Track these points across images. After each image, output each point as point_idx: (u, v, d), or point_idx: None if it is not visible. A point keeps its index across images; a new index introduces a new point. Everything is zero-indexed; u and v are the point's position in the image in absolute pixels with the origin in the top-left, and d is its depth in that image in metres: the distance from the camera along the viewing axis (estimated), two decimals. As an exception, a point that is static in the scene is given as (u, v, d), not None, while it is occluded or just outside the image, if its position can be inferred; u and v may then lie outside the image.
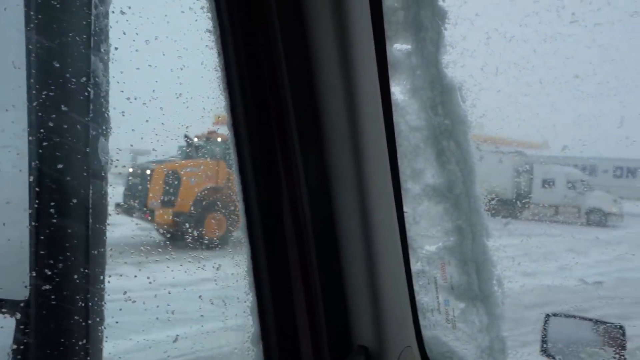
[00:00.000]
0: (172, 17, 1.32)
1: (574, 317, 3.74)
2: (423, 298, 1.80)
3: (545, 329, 3.17)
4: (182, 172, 12.58)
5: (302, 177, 1.46)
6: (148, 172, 12.60)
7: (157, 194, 12.39)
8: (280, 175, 1.50)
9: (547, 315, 3.23)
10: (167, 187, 12.45)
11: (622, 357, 2.97)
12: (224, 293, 1.65)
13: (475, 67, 1.48)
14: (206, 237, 10.54)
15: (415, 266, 1.77)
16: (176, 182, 12.50)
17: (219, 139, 12.77)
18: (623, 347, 2.99)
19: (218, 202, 12.39)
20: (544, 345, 3.14)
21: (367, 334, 1.53)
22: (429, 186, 1.68)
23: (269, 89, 1.44)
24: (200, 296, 1.92)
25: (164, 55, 1.33)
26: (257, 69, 1.42)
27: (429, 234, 1.74)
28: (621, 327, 3.10)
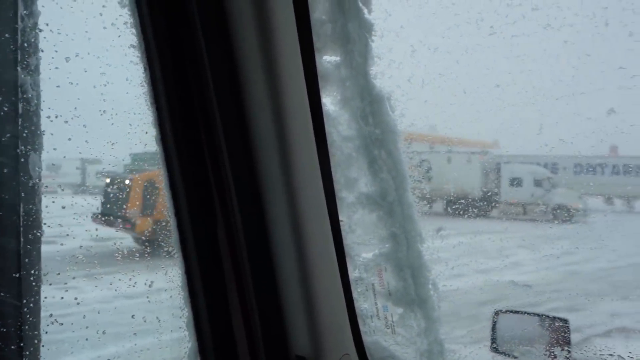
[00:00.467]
0: (94, 34, 1.30)
1: (522, 312, 3.85)
2: (362, 305, 1.83)
3: (494, 325, 3.26)
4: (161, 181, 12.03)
5: (233, 190, 1.46)
6: (127, 182, 12.30)
7: (136, 203, 12.26)
8: (212, 188, 1.49)
9: (496, 312, 3.31)
10: (147, 197, 12.26)
11: (567, 348, 3.07)
12: (158, 308, 1.64)
13: (402, 77, 1.51)
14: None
15: (353, 274, 1.79)
16: (155, 192, 11.93)
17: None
18: (568, 339, 3.09)
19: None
20: (494, 342, 3.22)
21: (304, 343, 1.54)
22: (363, 195, 1.71)
23: (197, 103, 1.44)
24: (132, 315, 1.89)
25: (85, 72, 1.31)
26: (183, 83, 1.42)
27: (365, 241, 1.77)
28: (566, 321, 3.21)
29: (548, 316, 3.37)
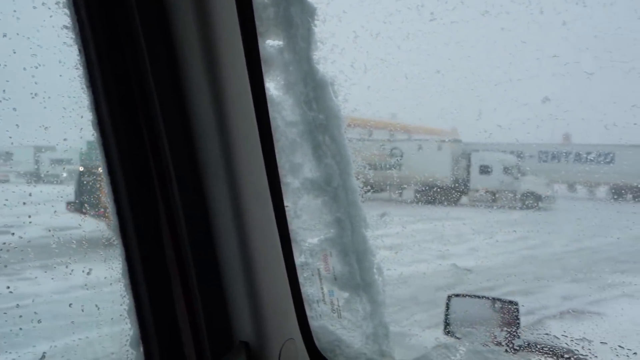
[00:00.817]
0: (23, 13, 1.25)
1: (473, 296, 3.93)
2: (308, 290, 1.84)
3: (447, 309, 3.32)
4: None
5: (173, 175, 1.44)
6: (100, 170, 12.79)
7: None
8: (152, 173, 1.47)
9: (449, 297, 3.37)
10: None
11: (517, 329, 3.14)
12: (99, 297, 1.61)
13: (345, 63, 1.52)
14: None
15: (299, 259, 1.80)
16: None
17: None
18: (517, 321, 3.16)
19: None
20: (447, 325, 3.27)
21: (248, 329, 1.54)
22: (307, 180, 1.71)
23: (134, 87, 1.40)
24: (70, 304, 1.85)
25: (15, 53, 1.26)
26: (120, 65, 1.38)
27: (310, 227, 1.77)
28: (515, 303, 3.28)
29: (499, 299, 3.45)
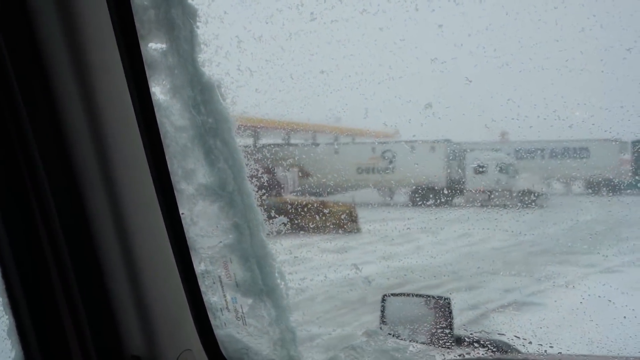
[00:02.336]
0: None
1: (408, 294, 3.97)
2: (211, 298, 1.79)
3: (382, 309, 3.33)
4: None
5: (47, 187, 1.38)
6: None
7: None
8: (26, 187, 1.40)
9: (384, 296, 3.38)
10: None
11: (450, 324, 3.18)
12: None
13: (231, 65, 1.49)
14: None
15: (199, 267, 1.75)
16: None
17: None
18: (450, 316, 3.20)
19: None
20: (382, 324, 3.29)
21: (139, 343, 1.49)
22: (202, 186, 1.67)
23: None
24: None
25: None
26: (-19, 73, 1.31)
27: (208, 233, 1.73)
28: (447, 299, 3.33)
29: (432, 296, 3.48)
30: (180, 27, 1.52)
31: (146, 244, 1.50)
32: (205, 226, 1.72)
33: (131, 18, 1.48)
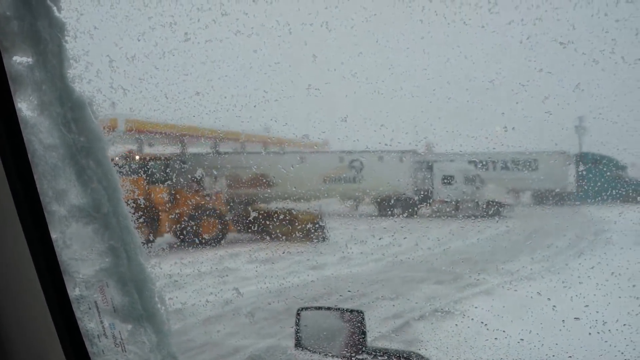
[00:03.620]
0: None
1: (322, 308, 3.95)
2: (87, 324, 1.70)
3: (297, 323, 3.30)
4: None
5: None
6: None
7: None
8: None
9: (298, 310, 3.35)
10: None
11: (364, 337, 3.18)
12: None
13: (103, 82, 1.42)
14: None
15: (73, 292, 1.66)
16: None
17: (137, 157, 16.61)
18: (364, 329, 3.20)
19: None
20: (298, 339, 3.25)
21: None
22: (75, 207, 1.59)
23: None
24: None
25: None
26: None
27: (83, 257, 1.64)
28: (361, 312, 3.33)
29: (346, 310, 3.49)
30: (48, 40, 1.44)
31: (5, 270, 1.40)
32: (79, 249, 1.63)
33: (-8, 29, 1.39)
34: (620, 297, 9.01)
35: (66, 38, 1.45)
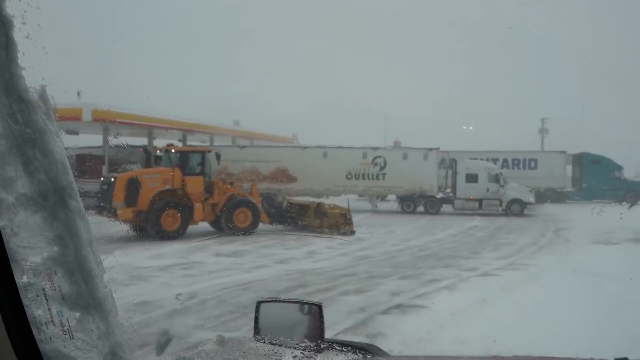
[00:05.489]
0: None
1: (282, 301, 4.02)
2: (35, 311, 1.73)
3: (257, 315, 3.35)
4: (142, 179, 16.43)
5: None
6: (112, 179, 16.14)
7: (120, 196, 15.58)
8: None
9: (258, 302, 3.40)
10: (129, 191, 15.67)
11: (321, 330, 3.24)
12: None
13: (53, 71, 1.45)
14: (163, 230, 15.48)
15: (21, 279, 1.68)
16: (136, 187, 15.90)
17: (173, 150, 18.01)
18: (322, 323, 3.26)
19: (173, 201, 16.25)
20: (257, 330, 3.30)
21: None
22: (23, 195, 1.61)
23: None
24: None
25: None
26: None
27: (31, 244, 1.67)
28: (319, 305, 3.40)
29: (305, 302, 3.55)
30: (-6, 31, 1.45)
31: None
32: (27, 237, 1.66)
33: None
34: (580, 292, 9.30)
35: (14, 27, 1.47)
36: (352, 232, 16.83)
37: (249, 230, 16.89)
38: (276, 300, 4.11)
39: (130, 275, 10.41)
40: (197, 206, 16.65)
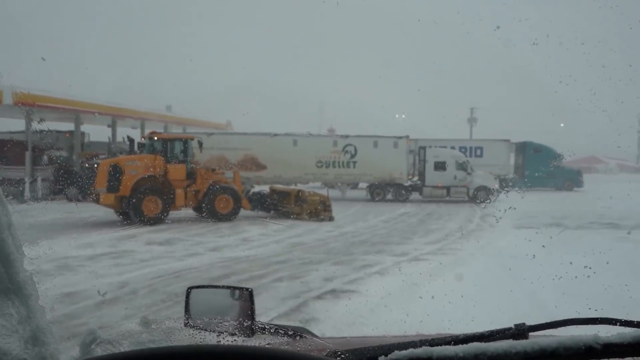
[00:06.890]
0: None
1: (212, 286, 4.01)
2: (-49, 298, 1.68)
3: (187, 302, 3.33)
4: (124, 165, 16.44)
5: None
6: (95, 166, 16.59)
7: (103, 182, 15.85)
8: None
9: (188, 289, 3.38)
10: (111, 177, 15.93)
11: (252, 314, 3.26)
12: None
13: None
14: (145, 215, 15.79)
15: None
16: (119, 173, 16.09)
17: (156, 138, 18.16)
18: (252, 307, 3.29)
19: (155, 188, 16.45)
20: (187, 317, 3.29)
21: None
22: None
23: None
24: None
25: None
26: None
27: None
28: (250, 290, 3.42)
29: (235, 287, 3.57)
30: None
31: None
32: (-61, 221, 1.60)
33: None
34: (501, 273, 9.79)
35: None
36: (332, 219, 17.04)
37: (230, 216, 17.12)
38: (207, 286, 4.12)
39: (57, 266, 10.05)
40: (179, 192, 16.84)
